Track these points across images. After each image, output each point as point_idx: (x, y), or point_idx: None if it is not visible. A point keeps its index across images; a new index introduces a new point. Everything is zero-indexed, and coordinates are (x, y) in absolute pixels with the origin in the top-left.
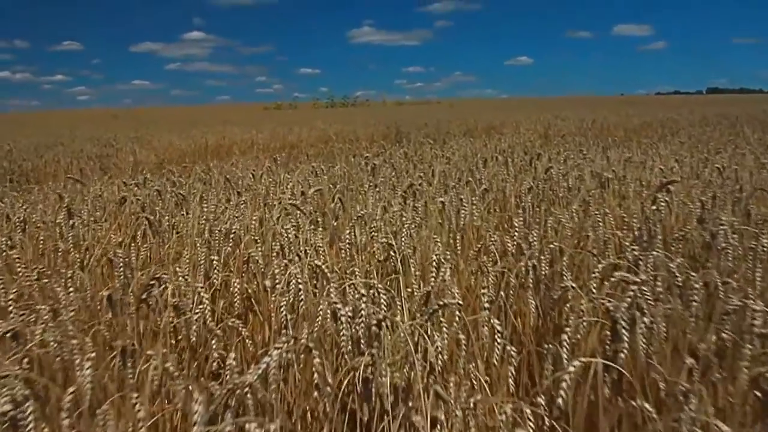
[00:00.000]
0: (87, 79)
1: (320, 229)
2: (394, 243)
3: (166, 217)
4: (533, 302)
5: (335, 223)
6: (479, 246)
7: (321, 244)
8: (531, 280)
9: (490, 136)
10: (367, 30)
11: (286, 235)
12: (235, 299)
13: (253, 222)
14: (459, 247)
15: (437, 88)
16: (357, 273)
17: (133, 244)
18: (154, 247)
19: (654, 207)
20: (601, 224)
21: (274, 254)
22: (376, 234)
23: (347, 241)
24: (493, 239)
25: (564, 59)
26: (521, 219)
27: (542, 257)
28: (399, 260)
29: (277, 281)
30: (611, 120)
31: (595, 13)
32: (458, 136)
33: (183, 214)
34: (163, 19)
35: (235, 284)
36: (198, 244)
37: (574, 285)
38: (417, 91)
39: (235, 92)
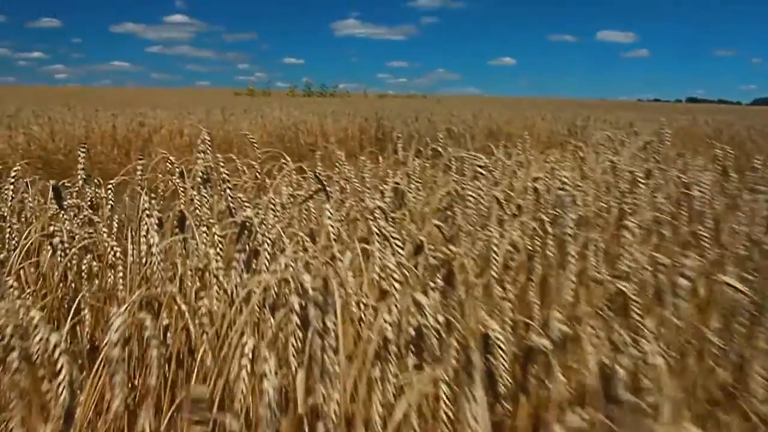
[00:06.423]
0: (66, 57)
1: None
2: None
3: None
4: None
5: None
6: None
7: None
8: None
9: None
10: (352, 23)
11: None
12: None
13: None
14: None
15: (420, 84)
16: None
17: None
18: None
19: None
20: None
21: None
22: None
23: None
24: None
25: (547, 62)
26: None
27: None
28: None
29: None
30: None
31: (579, 17)
32: (474, 139)
33: None
34: None
35: None
36: None
37: None
38: (400, 86)
39: (215, 78)
